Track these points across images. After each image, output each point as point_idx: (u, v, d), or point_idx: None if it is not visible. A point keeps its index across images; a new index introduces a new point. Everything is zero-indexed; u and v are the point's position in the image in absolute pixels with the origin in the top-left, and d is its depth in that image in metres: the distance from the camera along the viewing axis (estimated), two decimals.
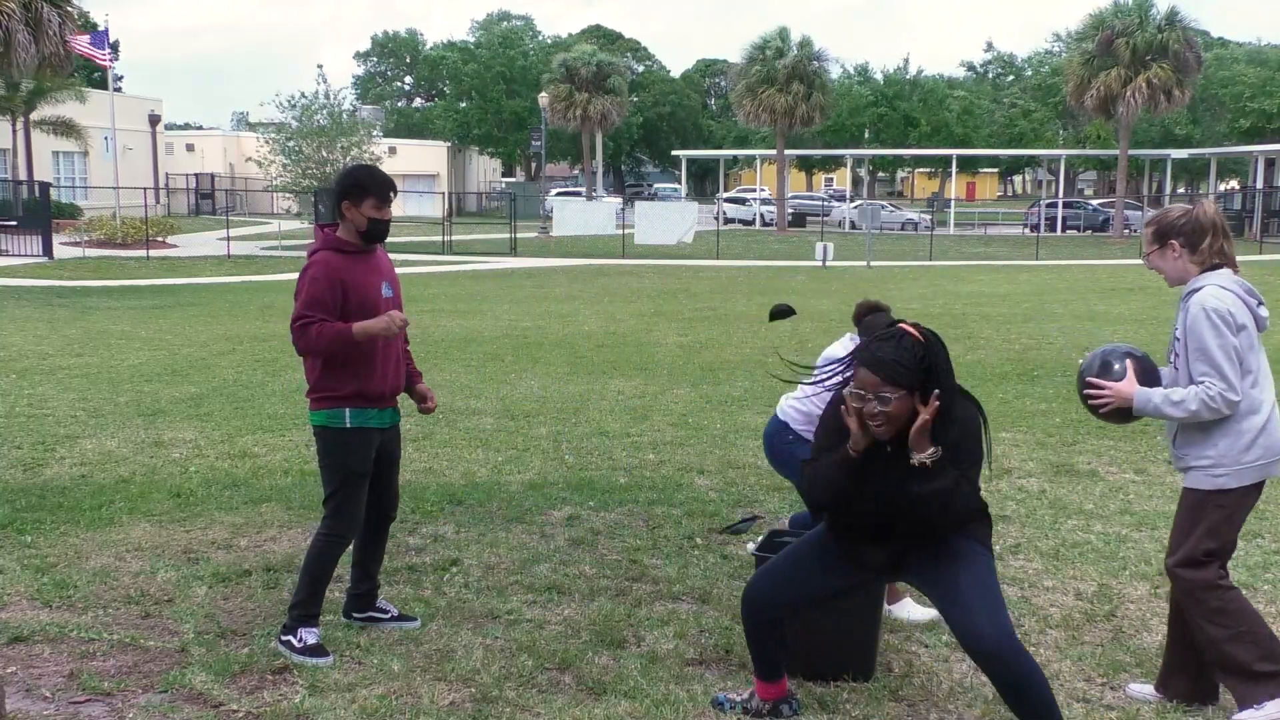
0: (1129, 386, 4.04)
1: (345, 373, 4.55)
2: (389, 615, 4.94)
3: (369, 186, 4.56)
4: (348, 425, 4.56)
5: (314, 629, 4.62)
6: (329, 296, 4.48)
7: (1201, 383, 3.91)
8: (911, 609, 5.19)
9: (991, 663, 3.57)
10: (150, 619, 4.99)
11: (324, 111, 38.92)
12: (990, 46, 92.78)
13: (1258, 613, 4.10)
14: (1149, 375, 4.10)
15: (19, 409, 9.83)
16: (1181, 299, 4.06)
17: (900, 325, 3.61)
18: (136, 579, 5.49)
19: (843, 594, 4.04)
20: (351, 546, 4.86)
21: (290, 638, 4.58)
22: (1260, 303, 4.01)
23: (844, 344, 5.24)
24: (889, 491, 3.64)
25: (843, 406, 3.64)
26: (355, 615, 4.94)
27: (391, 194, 4.65)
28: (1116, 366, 4.11)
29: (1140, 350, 4.21)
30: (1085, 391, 4.16)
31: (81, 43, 31.52)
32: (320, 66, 58.96)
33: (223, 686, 4.28)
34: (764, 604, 3.97)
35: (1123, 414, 4.11)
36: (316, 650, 4.55)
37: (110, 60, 33.83)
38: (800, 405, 5.46)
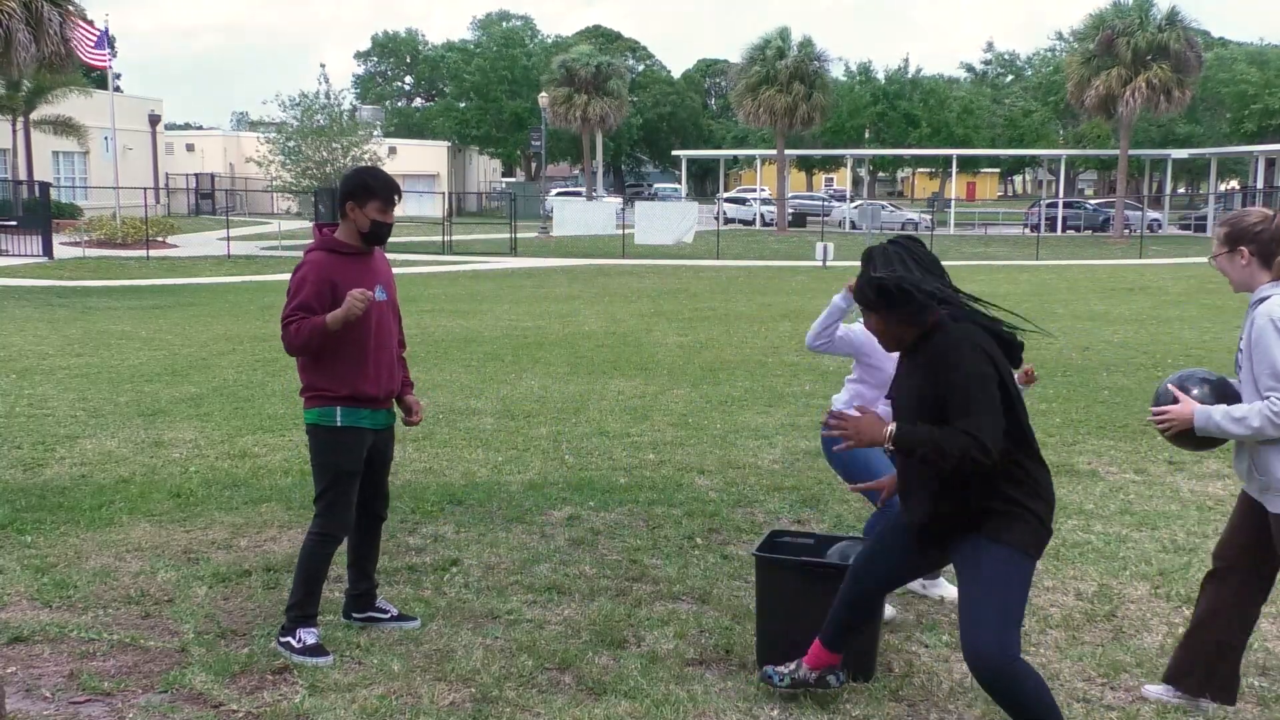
0: (1187, 407, 3.87)
1: (337, 373, 4.55)
2: (389, 615, 4.93)
3: (375, 189, 4.56)
4: (339, 424, 4.56)
5: (312, 629, 4.62)
6: (317, 297, 4.48)
7: (1268, 397, 3.70)
8: (946, 587, 5.27)
9: (983, 680, 3.53)
10: (150, 619, 4.99)
11: (324, 111, 38.92)
12: (990, 46, 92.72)
13: None
14: (1225, 398, 3.89)
15: (19, 409, 9.83)
16: (1249, 308, 3.87)
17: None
18: (136, 579, 5.49)
19: (926, 567, 3.97)
20: (345, 548, 4.87)
21: (289, 639, 4.58)
22: None
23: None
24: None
25: None
26: (355, 616, 4.94)
27: (396, 197, 4.65)
28: (1195, 391, 3.93)
29: (1216, 375, 4.03)
30: (1149, 419, 4.06)
31: (85, 47, 31.54)
32: (323, 66, 58.92)
33: (223, 686, 4.28)
34: (864, 574, 3.97)
35: (1190, 437, 3.93)
36: (316, 650, 4.55)
37: (109, 59, 33.82)
38: (844, 396, 5.21)
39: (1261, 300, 3.82)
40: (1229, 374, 4.15)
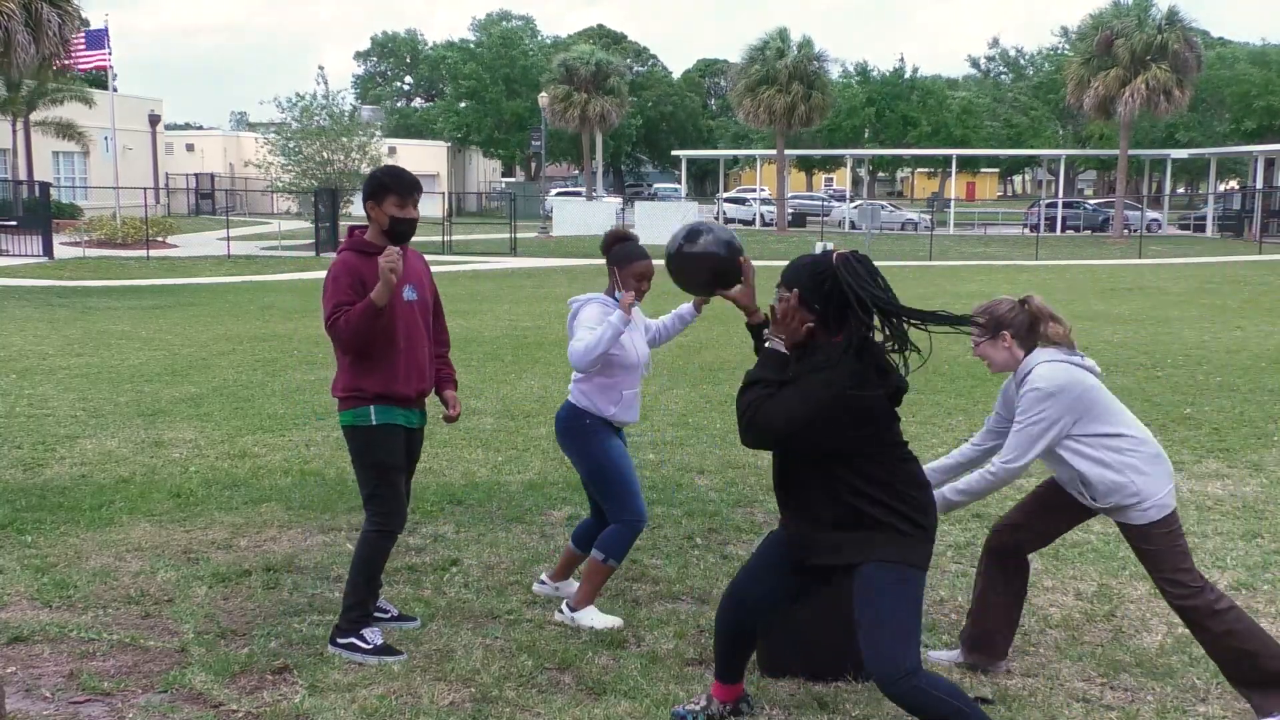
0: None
1: (370, 374, 4.58)
2: (389, 615, 4.93)
3: (389, 185, 4.58)
4: (374, 423, 4.60)
5: (376, 628, 4.65)
6: (350, 290, 4.51)
7: (992, 465, 4.27)
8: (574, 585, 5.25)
9: (893, 698, 3.51)
10: (150, 619, 4.99)
11: (324, 112, 38.91)
12: (996, 42, 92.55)
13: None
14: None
15: (19, 409, 9.83)
16: (1016, 380, 4.29)
17: (836, 249, 3.65)
18: (136, 579, 5.49)
19: (801, 592, 3.88)
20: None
21: (354, 639, 4.57)
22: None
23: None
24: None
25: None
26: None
27: (415, 193, 4.65)
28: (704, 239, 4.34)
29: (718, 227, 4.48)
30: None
31: (82, 51, 31.61)
32: (321, 68, 58.93)
33: (223, 686, 4.28)
34: (735, 603, 3.90)
35: None
36: (388, 649, 4.57)
37: (108, 58, 33.82)
38: (582, 383, 5.05)
39: (1028, 372, 4.20)
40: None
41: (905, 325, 3.54)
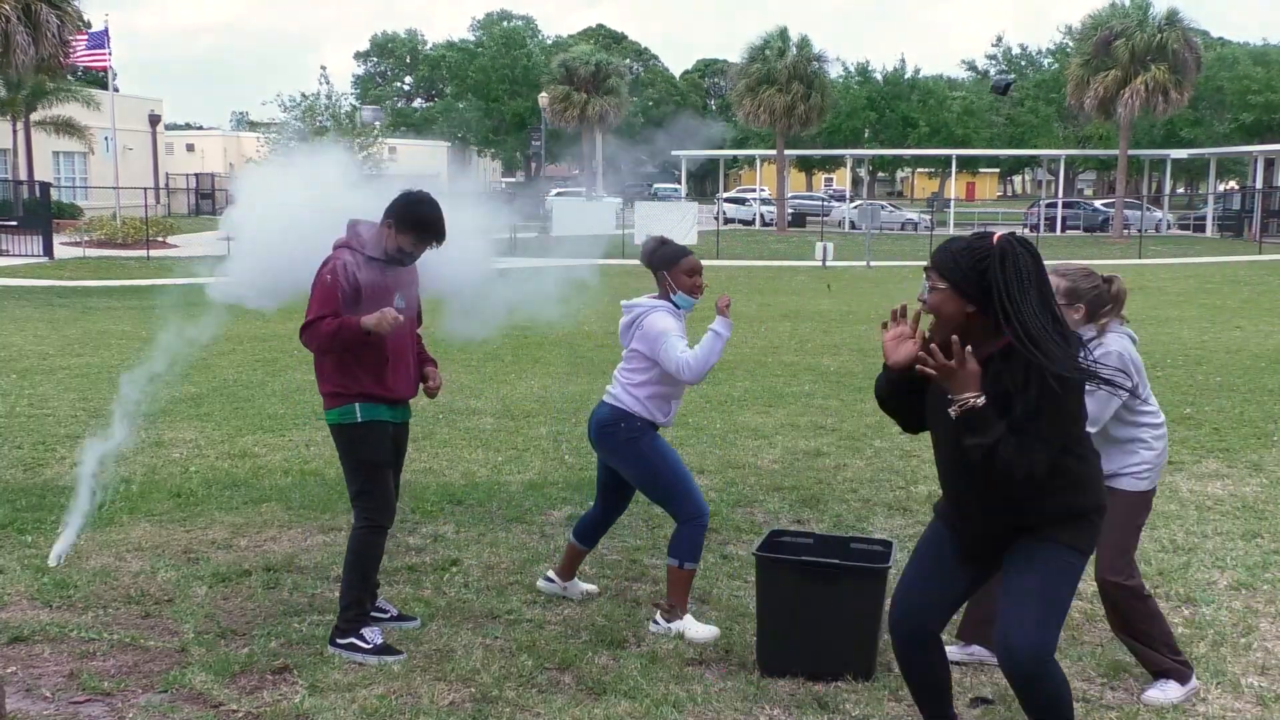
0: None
1: (356, 374, 4.60)
2: (388, 615, 4.93)
3: (418, 227, 4.58)
4: (359, 419, 4.62)
5: (375, 627, 4.65)
6: (341, 295, 4.51)
7: None
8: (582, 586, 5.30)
9: (1013, 678, 3.36)
10: (150, 619, 4.99)
11: (326, 112, 38.85)
12: (999, 41, 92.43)
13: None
14: None
15: (19, 409, 9.82)
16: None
17: (993, 232, 3.32)
18: (136, 579, 5.49)
19: (972, 584, 3.64)
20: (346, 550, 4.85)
21: (354, 639, 4.56)
22: None
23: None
24: (947, 441, 3.35)
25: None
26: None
27: (434, 244, 4.64)
28: None
29: None
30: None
31: (83, 52, 31.67)
32: (324, 68, 58.98)
33: (223, 686, 4.28)
34: (905, 620, 3.62)
35: None
36: (388, 649, 4.57)
37: (108, 58, 33.82)
38: (628, 383, 5.01)
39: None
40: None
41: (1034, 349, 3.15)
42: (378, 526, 4.69)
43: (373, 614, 4.90)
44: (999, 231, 3.32)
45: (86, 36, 32.49)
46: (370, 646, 4.54)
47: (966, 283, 3.22)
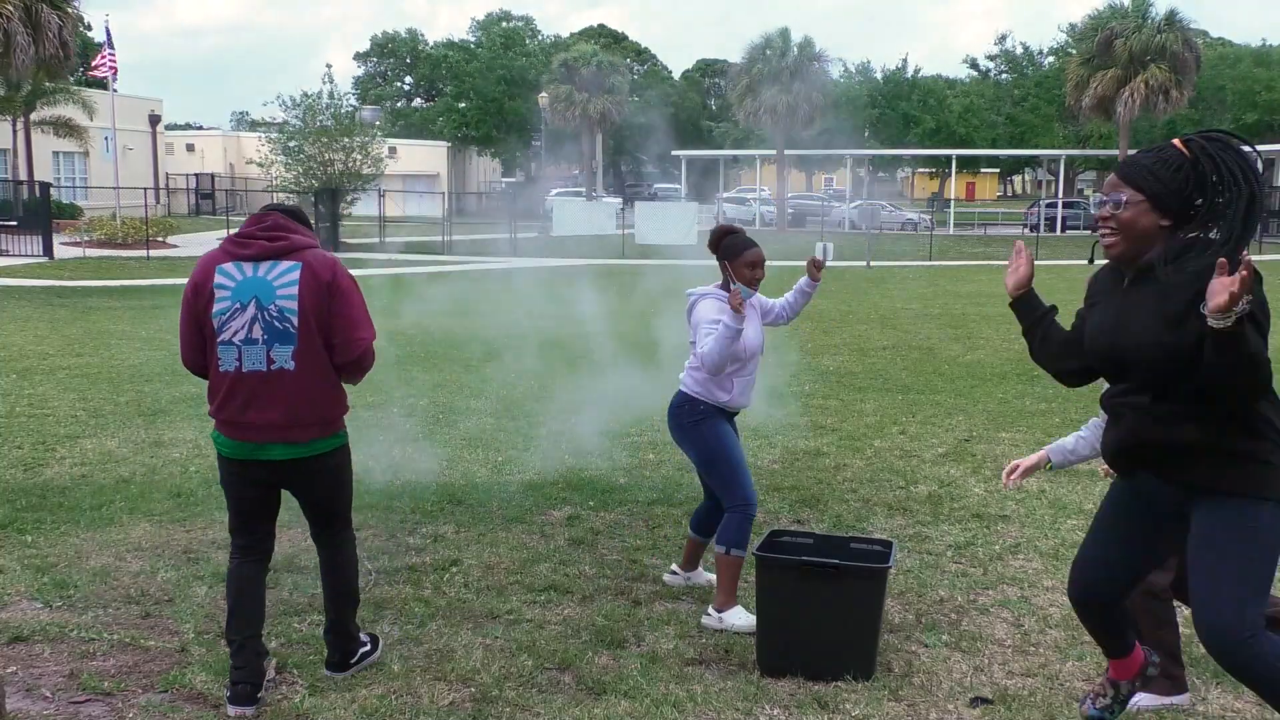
0: None
1: (342, 396, 4.27)
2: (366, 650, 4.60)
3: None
4: (345, 439, 4.38)
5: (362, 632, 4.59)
6: None
7: None
8: (705, 575, 5.41)
9: (1221, 660, 3.17)
10: (150, 619, 4.99)
11: (328, 112, 38.84)
12: (1002, 39, 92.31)
13: None
14: None
15: (19, 409, 9.82)
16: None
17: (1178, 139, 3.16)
18: (136, 579, 5.49)
19: (1162, 549, 3.43)
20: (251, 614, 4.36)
21: (360, 651, 4.45)
22: None
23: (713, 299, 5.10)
24: (1143, 354, 3.08)
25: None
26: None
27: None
28: None
29: None
30: None
31: (102, 61, 32.05)
32: (329, 67, 58.92)
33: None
34: (1087, 590, 3.49)
35: None
36: (374, 637, 4.60)
37: (111, 59, 33.88)
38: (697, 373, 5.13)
39: None
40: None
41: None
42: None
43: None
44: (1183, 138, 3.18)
45: (107, 54, 32.79)
46: (369, 645, 4.53)
47: (1167, 194, 3.10)
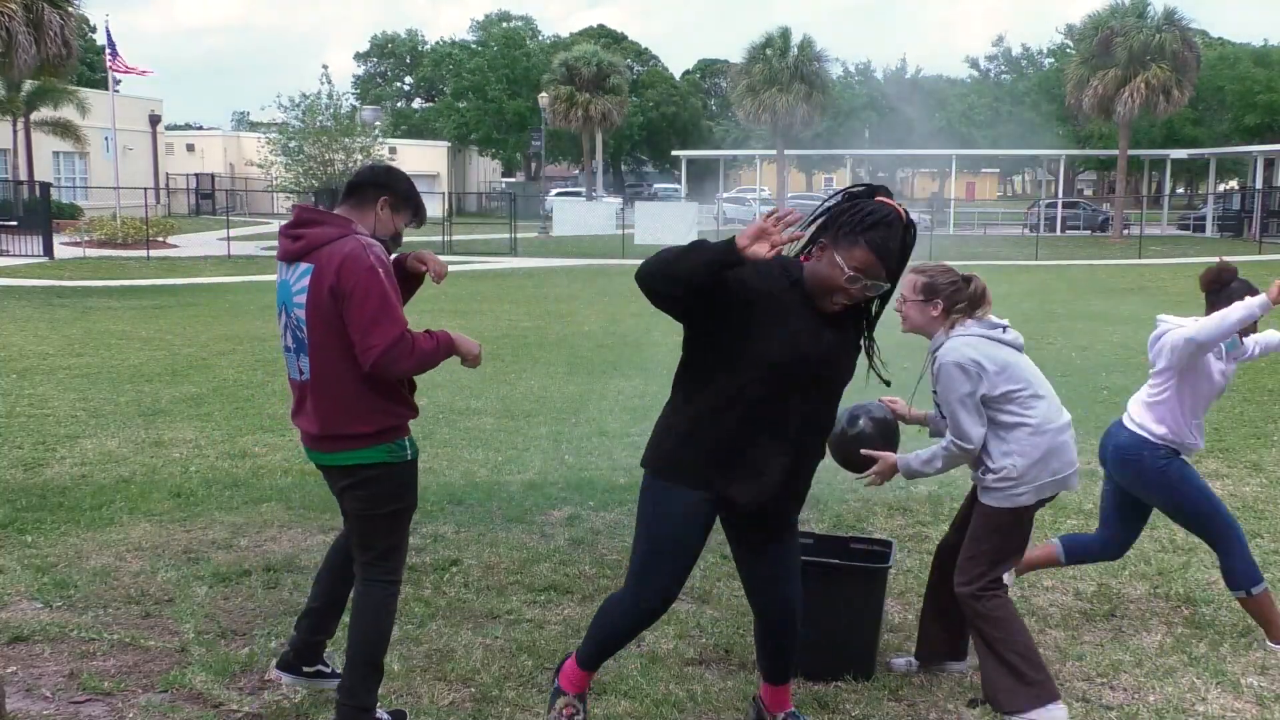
0: (888, 460, 4.23)
1: (404, 399, 3.81)
2: (328, 671, 4.21)
3: (412, 202, 3.93)
4: (409, 456, 3.83)
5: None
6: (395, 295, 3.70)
7: (949, 441, 4.13)
8: None
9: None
10: (150, 619, 4.99)
11: (328, 112, 38.87)
12: (1000, 40, 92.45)
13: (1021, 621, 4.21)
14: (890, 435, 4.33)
15: (19, 409, 9.82)
16: (929, 353, 4.21)
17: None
18: (137, 579, 5.49)
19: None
20: (316, 591, 4.21)
21: None
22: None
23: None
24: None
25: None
26: (305, 669, 4.19)
27: (418, 224, 4.07)
28: (861, 422, 4.30)
29: (874, 406, 4.39)
30: (861, 454, 4.27)
31: (119, 64, 32.26)
32: (325, 67, 58.97)
33: (223, 686, 4.28)
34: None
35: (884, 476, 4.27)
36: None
37: (113, 60, 33.90)
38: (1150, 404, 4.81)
39: (938, 346, 4.14)
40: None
41: None
42: (399, 585, 3.92)
43: (320, 668, 4.20)
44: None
45: (110, 54, 32.94)
46: None
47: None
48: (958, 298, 4.16)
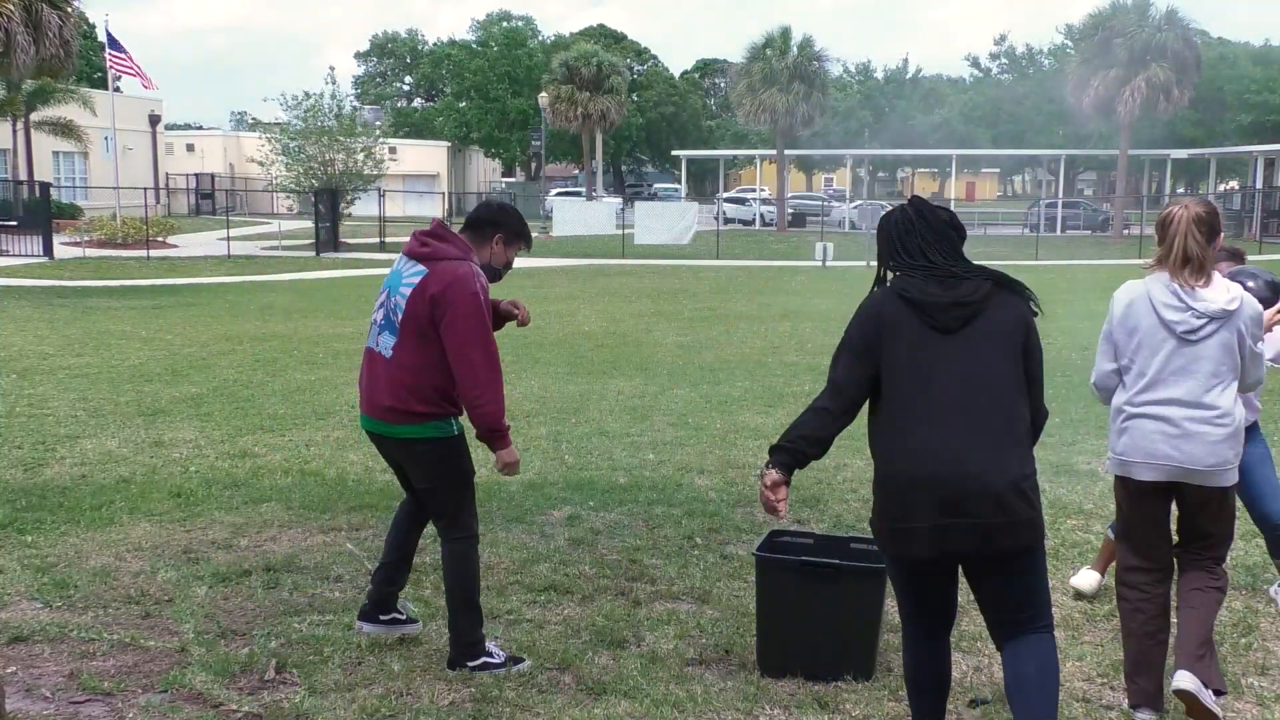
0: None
1: (453, 395, 4.42)
2: (403, 618, 4.86)
3: (523, 237, 4.66)
4: (455, 432, 4.49)
5: (495, 642, 4.62)
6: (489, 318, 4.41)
7: None
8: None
9: None
10: (150, 619, 4.99)
11: (331, 113, 38.84)
12: (1002, 39, 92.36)
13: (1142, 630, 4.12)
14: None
15: (19, 409, 9.83)
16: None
17: None
18: (136, 579, 5.49)
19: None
20: (388, 548, 4.82)
21: (486, 658, 4.45)
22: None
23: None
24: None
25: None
26: (381, 618, 4.80)
27: (526, 252, 4.75)
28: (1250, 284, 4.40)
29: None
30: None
31: (120, 63, 32.23)
32: (332, 68, 59.05)
33: (223, 686, 4.28)
34: None
35: None
36: (517, 658, 4.53)
37: (121, 60, 33.90)
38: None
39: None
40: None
41: None
42: (476, 536, 4.60)
43: (396, 615, 4.80)
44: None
45: (117, 53, 32.92)
46: (501, 660, 4.47)
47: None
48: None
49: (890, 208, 3.69)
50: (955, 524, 3.25)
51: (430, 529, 4.82)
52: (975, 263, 3.59)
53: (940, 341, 3.39)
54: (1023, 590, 3.44)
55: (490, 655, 4.46)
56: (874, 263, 3.76)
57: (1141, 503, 4.10)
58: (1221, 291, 3.97)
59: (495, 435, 4.42)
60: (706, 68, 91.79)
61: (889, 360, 3.42)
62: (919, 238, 3.54)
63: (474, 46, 75.73)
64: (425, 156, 63.25)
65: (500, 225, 4.54)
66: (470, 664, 4.43)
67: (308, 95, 38.38)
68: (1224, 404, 3.96)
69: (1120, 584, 4.21)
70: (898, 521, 3.34)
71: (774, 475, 3.57)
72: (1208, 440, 3.95)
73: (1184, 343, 3.94)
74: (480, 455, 8.20)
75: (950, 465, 3.27)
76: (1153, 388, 3.97)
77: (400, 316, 4.34)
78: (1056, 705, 3.43)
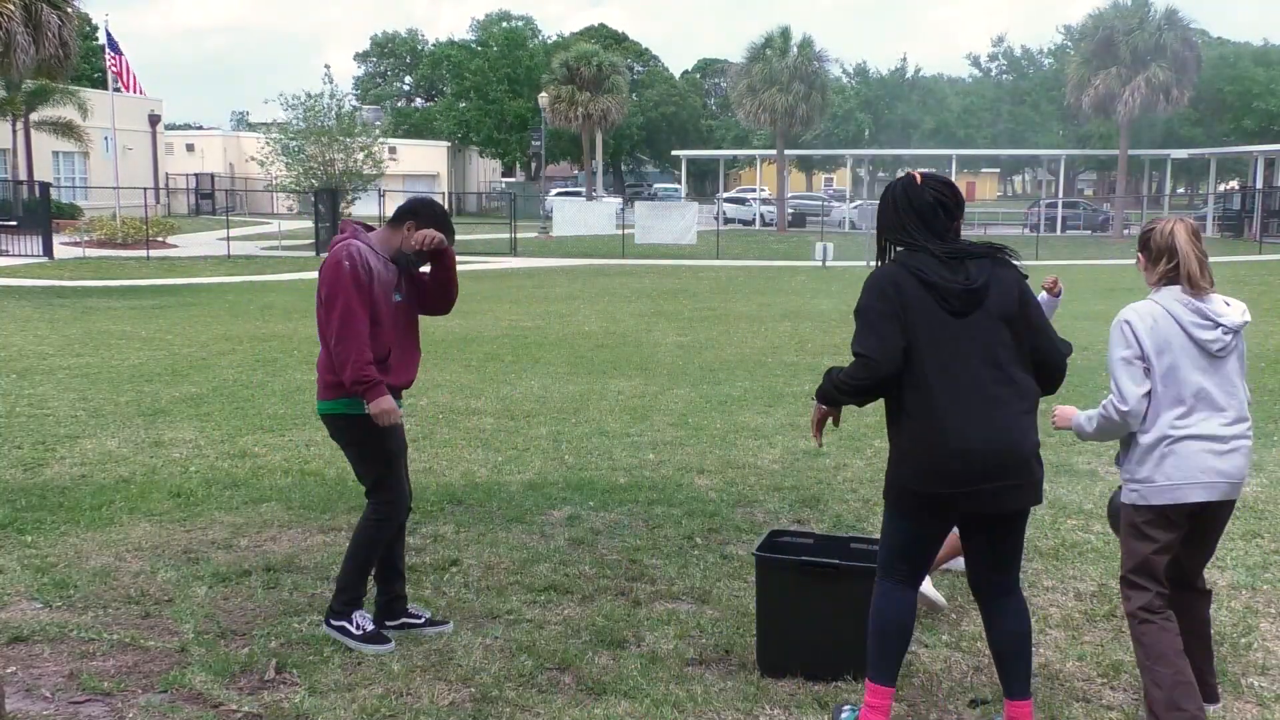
0: (1066, 410, 4.36)
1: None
2: (421, 620, 4.89)
3: (440, 222, 4.76)
4: (364, 411, 4.54)
5: (367, 614, 4.76)
6: (356, 284, 4.51)
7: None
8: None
9: None
10: (150, 619, 4.99)
11: (330, 113, 38.85)
12: (1000, 40, 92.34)
13: (1177, 654, 3.91)
14: None
15: (19, 409, 9.83)
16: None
17: None
18: (136, 579, 5.49)
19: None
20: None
21: (345, 624, 4.66)
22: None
23: None
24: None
25: None
26: (389, 624, 4.85)
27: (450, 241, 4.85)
28: None
29: None
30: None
31: (121, 66, 32.30)
32: (328, 67, 59.05)
33: (223, 686, 4.28)
34: None
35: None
36: (377, 637, 4.66)
37: (114, 61, 33.92)
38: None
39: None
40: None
41: None
42: (388, 520, 4.71)
43: (406, 620, 4.86)
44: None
45: (109, 54, 32.96)
46: (359, 634, 4.63)
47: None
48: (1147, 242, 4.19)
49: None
50: (1004, 485, 3.68)
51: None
52: (964, 239, 3.81)
53: (956, 322, 3.68)
54: (1016, 547, 3.89)
55: (349, 623, 4.66)
56: (875, 263, 3.80)
57: (1175, 529, 3.95)
58: (1227, 303, 4.09)
59: (360, 387, 4.48)
60: (707, 68, 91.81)
61: (914, 337, 3.66)
62: (915, 216, 3.77)
63: (474, 47, 75.67)
64: (425, 156, 63.26)
65: (416, 215, 4.70)
66: (331, 623, 4.69)
67: (309, 95, 38.42)
68: (1248, 414, 4.06)
69: (1144, 620, 3.98)
70: (960, 485, 3.66)
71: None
72: (1245, 453, 4.00)
73: (1215, 359, 4.03)
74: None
75: (997, 435, 3.66)
76: (1195, 408, 3.95)
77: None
78: None
